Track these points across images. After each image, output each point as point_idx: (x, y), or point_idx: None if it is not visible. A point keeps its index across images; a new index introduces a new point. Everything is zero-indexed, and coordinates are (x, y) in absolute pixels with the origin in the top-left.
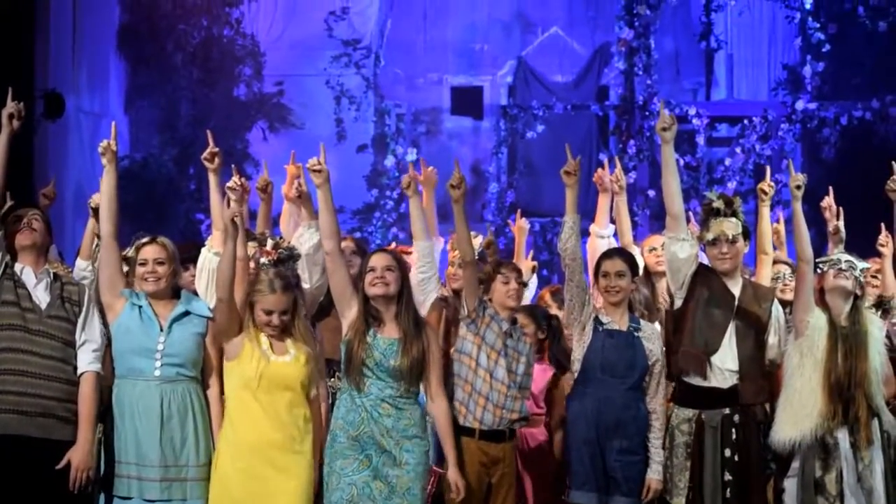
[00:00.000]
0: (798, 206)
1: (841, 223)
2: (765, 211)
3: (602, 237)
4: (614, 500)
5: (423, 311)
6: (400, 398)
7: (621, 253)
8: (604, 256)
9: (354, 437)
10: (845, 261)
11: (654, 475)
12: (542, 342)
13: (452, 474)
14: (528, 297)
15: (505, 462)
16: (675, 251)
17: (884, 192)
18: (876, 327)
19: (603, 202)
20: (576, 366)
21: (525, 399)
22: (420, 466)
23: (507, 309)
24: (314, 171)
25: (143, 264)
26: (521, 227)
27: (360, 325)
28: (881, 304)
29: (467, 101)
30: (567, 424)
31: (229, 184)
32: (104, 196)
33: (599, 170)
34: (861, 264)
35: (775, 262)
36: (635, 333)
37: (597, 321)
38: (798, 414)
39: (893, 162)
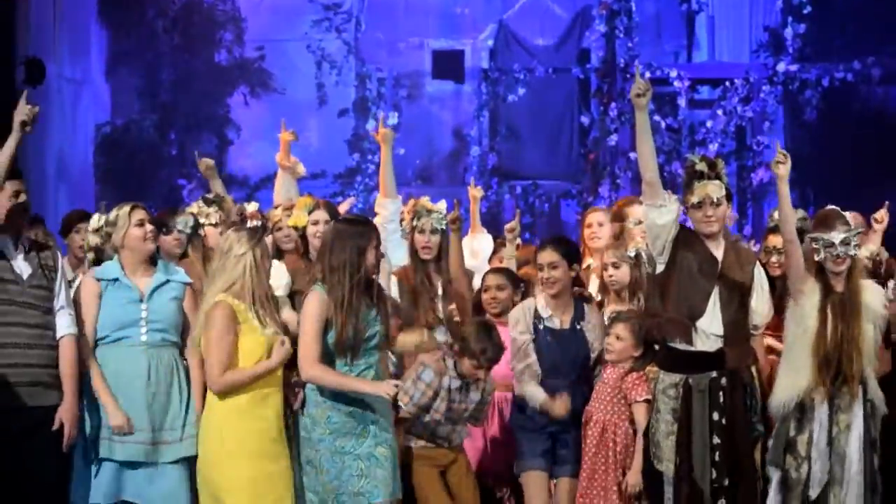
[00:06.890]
0: (783, 187)
1: None
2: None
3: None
4: (561, 470)
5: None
6: (379, 366)
7: (555, 242)
8: (539, 248)
9: (349, 413)
10: (840, 242)
11: None
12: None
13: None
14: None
15: (458, 462)
16: (654, 218)
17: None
18: (874, 298)
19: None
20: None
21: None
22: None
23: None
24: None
25: (139, 225)
26: (474, 195)
27: (356, 302)
28: None
29: (448, 65)
30: (516, 407)
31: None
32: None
33: None
34: (853, 233)
35: None
36: (578, 326)
37: (536, 317)
38: (792, 379)
39: None
